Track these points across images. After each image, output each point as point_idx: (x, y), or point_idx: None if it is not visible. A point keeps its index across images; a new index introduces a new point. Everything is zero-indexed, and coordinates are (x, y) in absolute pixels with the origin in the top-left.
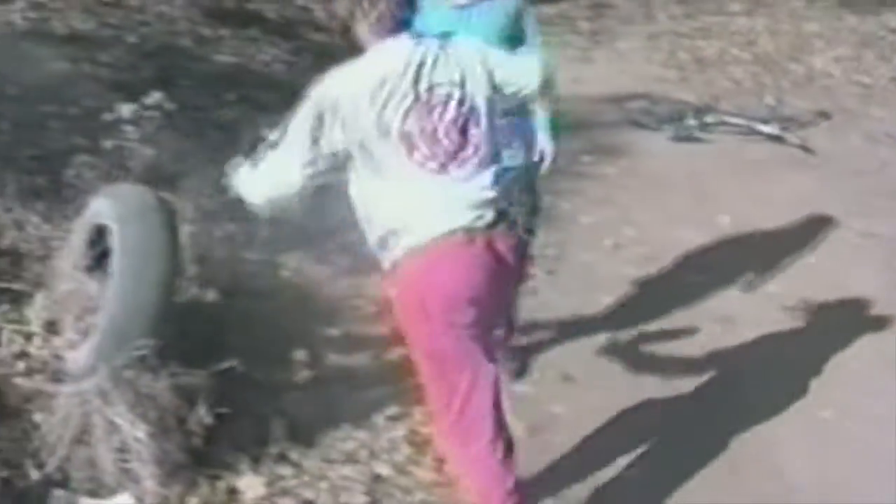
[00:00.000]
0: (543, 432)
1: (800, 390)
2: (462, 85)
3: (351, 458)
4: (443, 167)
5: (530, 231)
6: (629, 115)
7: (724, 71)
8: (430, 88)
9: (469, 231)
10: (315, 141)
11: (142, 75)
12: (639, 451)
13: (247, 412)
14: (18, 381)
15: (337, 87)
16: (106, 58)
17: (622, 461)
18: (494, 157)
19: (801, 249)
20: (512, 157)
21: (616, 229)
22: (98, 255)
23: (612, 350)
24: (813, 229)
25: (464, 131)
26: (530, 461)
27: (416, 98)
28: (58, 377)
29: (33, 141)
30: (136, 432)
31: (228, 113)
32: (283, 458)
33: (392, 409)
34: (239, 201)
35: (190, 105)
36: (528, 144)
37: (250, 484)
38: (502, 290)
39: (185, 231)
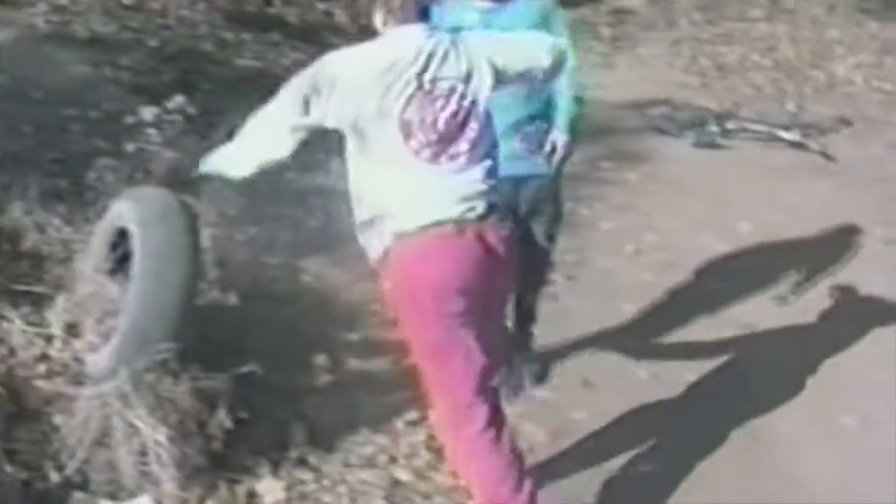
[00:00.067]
0: (564, 438)
1: (820, 397)
2: (467, 80)
3: (370, 463)
4: (436, 157)
5: (551, 238)
6: (650, 121)
7: (746, 77)
8: (435, 80)
9: (459, 223)
10: (306, 108)
11: (163, 79)
12: (657, 456)
13: (267, 416)
14: (39, 383)
15: (341, 64)
16: (127, 61)
17: (641, 466)
18: (489, 153)
19: (822, 257)
20: (537, 166)
21: (637, 235)
22: (119, 258)
23: (632, 356)
24: (834, 237)
25: (462, 125)
26: (550, 466)
27: (420, 87)
28: (78, 380)
29: (55, 144)
30: (157, 435)
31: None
32: (302, 462)
33: (411, 414)
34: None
35: (211, 109)
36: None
37: (270, 488)
38: (494, 281)
39: (206, 234)
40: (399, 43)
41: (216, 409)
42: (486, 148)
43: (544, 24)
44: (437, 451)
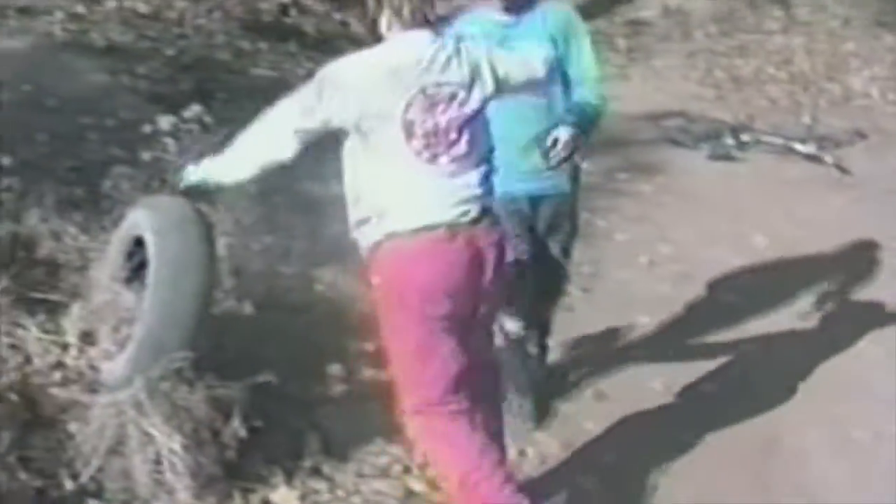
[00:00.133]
0: (577, 448)
1: (833, 410)
2: (469, 87)
3: (384, 473)
4: (434, 158)
5: (566, 253)
6: (665, 133)
7: (761, 90)
8: (438, 85)
9: (451, 227)
10: (310, 112)
11: (180, 88)
12: (671, 467)
13: (281, 426)
14: (54, 391)
15: (345, 68)
16: (144, 70)
17: (653, 477)
18: (485, 157)
19: (838, 270)
20: (558, 184)
21: (651, 247)
22: (135, 266)
23: (646, 367)
24: (850, 250)
25: (461, 130)
26: (563, 477)
27: (422, 91)
28: (93, 388)
29: (71, 152)
30: (171, 444)
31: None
32: (316, 471)
33: None
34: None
35: (228, 118)
36: (574, 173)
37: (284, 497)
38: (482, 285)
39: (222, 243)
40: (403, 48)
41: (231, 418)
42: (483, 153)
43: (564, 36)
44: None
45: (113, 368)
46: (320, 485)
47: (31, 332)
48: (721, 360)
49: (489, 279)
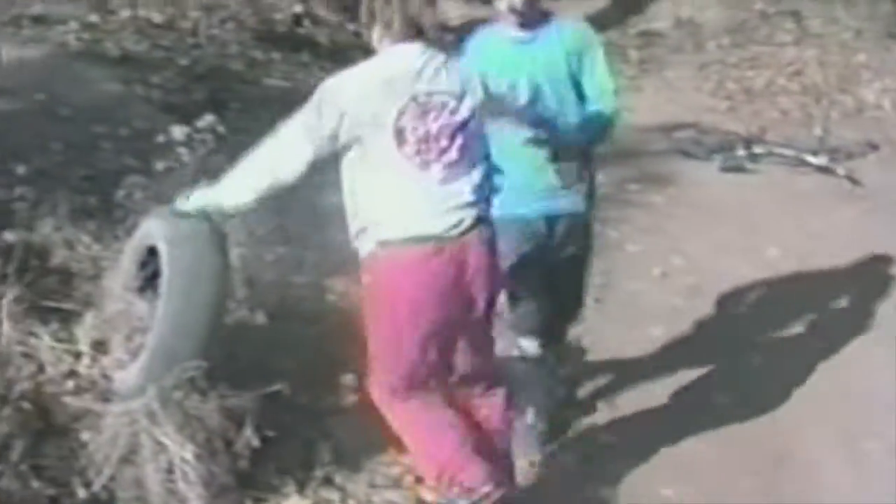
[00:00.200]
0: (590, 461)
1: (845, 422)
2: (460, 97)
3: (396, 484)
4: (426, 165)
5: (582, 272)
6: (677, 145)
7: (773, 101)
8: (429, 94)
9: (439, 240)
10: (314, 129)
11: (193, 98)
12: (682, 479)
13: (293, 436)
14: (67, 399)
15: (340, 82)
16: (158, 80)
17: (667, 490)
18: (478, 166)
19: (849, 282)
20: (573, 203)
21: (664, 258)
22: (148, 276)
23: (658, 379)
24: (861, 261)
25: (452, 137)
26: (576, 490)
27: (413, 98)
28: (106, 396)
29: (85, 161)
30: (184, 453)
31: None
32: (328, 481)
33: None
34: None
35: (241, 128)
36: (591, 191)
37: None
38: (471, 295)
39: (235, 253)
40: (395, 60)
41: (243, 427)
42: (476, 161)
43: (579, 51)
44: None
45: (125, 377)
46: (332, 495)
47: (44, 341)
48: (733, 372)
49: (478, 288)
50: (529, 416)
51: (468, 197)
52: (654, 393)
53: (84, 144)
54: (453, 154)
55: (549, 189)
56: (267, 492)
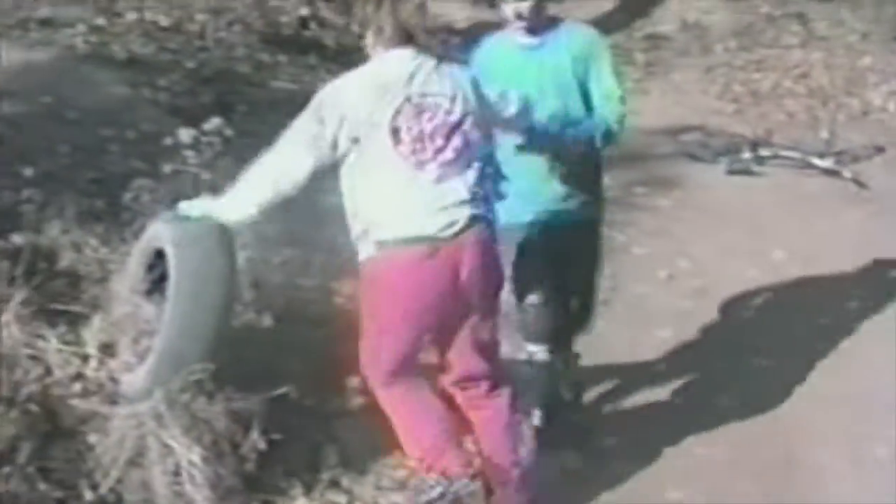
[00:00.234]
0: (596, 464)
1: (854, 426)
2: (453, 99)
3: (403, 486)
4: (421, 164)
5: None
6: (684, 148)
7: (779, 104)
8: (423, 95)
9: (434, 241)
10: (317, 137)
11: (200, 100)
12: (689, 482)
13: (300, 438)
14: (74, 402)
15: (337, 86)
16: (165, 82)
17: (673, 492)
18: (473, 165)
19: (856, 284)
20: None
21: (670, 261)
22: (156, 278)
23: (665, 382)
24: (867, 264)
25: (447, 137)
26: (583, 492)
27: (408, 99)
28: (113, 399)
29: (92, 164)
30: (191, 456)
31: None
32: (335, 484)
33: None
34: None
35: (248, 131)
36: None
37: None
38: (467, 294)
39: (242, 256)
40: (388, 64)
41: (250, 430)
42: (472, 161)
43: (586, 57)
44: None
45: (133, 380)
46: (339, 497)
47: (52, 344)
48: (739, 374)
49: (474, 289)
50: (535, 418)
51: (464, 195)
52: (660, 395)
53: (91, 147)
54: (449, 153)
55: (555, 196)
56: (274, 494)
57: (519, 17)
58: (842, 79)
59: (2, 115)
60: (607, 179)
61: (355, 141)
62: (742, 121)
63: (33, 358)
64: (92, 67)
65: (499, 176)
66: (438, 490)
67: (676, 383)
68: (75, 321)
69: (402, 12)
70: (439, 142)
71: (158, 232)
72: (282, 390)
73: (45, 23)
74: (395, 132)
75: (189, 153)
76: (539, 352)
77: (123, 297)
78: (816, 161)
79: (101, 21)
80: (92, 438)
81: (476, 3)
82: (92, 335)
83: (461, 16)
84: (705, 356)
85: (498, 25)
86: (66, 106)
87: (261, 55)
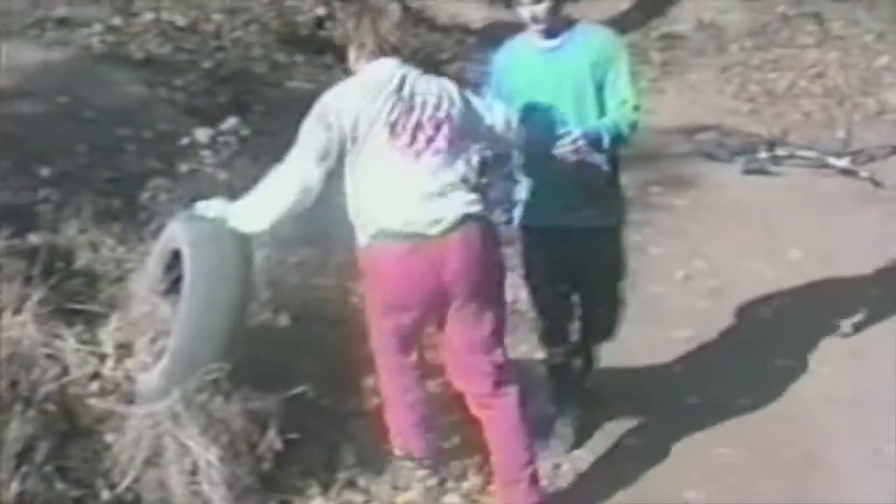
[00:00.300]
0: (614, 464)
1: (873, 427)
2: (439, 97)
3: (420, 486)
4: (417, 155)
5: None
6: (700, 147)
7: (795, 104)
8: (413, 94)
9: (418, 238)
10: (328, 143)
11: (217, 100)
12: (707, 481)
13: (317, 438)
14: (91, 401)
15: (334, 93)
16: (181, 82)
17: (691, 493)
18: (463, 156)
19: (872, 284)
20: (596, 217)
21: (686, 261)
22: (174, 279)
23: (681, 381)
24: (884, 263)
25: (437, 128)
26: (600, 493)
27: (400, 98)
28: (130, 399)
29: (109, 163)
30: (208, 455)
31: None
32: (352, 484)
33: (460, 437)
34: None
35: (265, 131)
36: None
37: None
38: (452, 294)
39: (259, 256)
40: (377, 71)
41: (267, 429)
42: (462, 153)
43: (604, 61)
44: (487, 475)
45: (148, 379)
46: (356, 497)
47: (69, 343)
48: (756, 374)
49: (459, 288)
50: (555, 419)
51: (458, 189)
52: (677, 395)
53: (108, 147)
54: (440, 142)
55: (571, 205)
56: (290, 494)
57: (534, 20)
58: (858, 78)
59: (19, 115)
60: (623, 179)
61: (355, 140)
62: (758, 120)
63: (50, 357)
64: (108, 67)
65: (516, 178)
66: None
67: (693, 383)
68: (92, 321)
69: (382, 28)
70: (430, 132)
71: (175, 232)
72: (298, 390)
73: (62, 22)
74: (392, 127)
75: (206, 153)
76: (557, 354)
77: (141, 297)
78: (832, 161)
79: (117, 21)
80: (109, 438)
81: (492, 3)
82: (109, 335)
83: (477, 16)
84: (722, 356)
85: (514, 25)
86: (83, 106)
87: (277, 55)
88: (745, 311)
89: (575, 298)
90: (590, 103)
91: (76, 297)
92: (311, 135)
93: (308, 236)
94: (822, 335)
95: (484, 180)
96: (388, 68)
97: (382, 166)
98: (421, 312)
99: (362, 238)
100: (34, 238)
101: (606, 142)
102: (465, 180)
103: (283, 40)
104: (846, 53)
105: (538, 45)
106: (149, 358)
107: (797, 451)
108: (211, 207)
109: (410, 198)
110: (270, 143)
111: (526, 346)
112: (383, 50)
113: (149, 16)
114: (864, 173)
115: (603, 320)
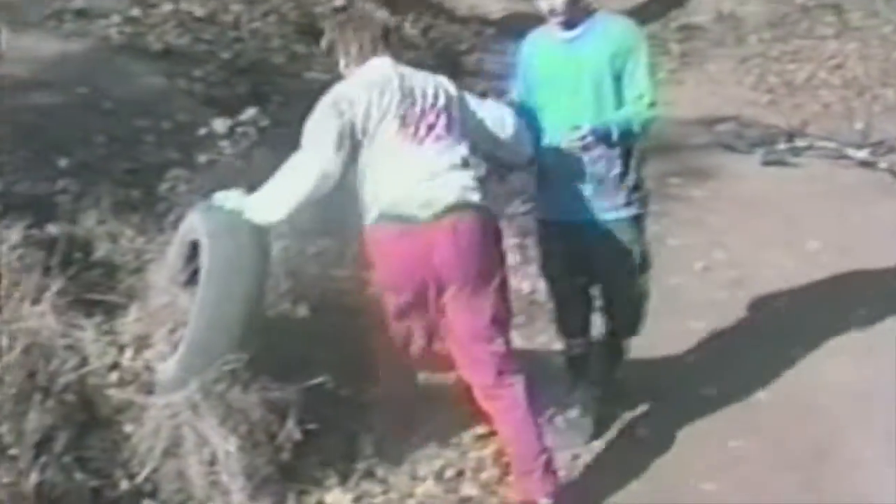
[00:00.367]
0: (628, 454)
1: (888, 420)
2: (436, 89)
3: (438, 477)
4: (421, 141)
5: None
6: (718, 138)
7: (814, 95)
8: (412, 88)
9: (408, 220)
10: (342, 128)
11: (235, 91)
12: (724, 472)
13: (335, 428)
14: (111, 392)
15: (349, 88)
16: (200, 73)
17: (707, 484)
18: (462, 141)
19: (891, 275)
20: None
21: (706, 252)
22: (194, 269)
23: (700, 373)
24: None
25: (437, 115)
26: (613, 481)
27: (402, 91)
28: (149, 389)
29: (128, 154)
30: (226, 446)
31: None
32: (370, 474)
33: (479, 428)
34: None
35: (283, 121)
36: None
37: (338, 499)
38: (442, 279)
39: (278, 246)
40: (373, 69)
41: (285, 420)
42: (461, 137)
43: (623, 52)
44: (505, 466)
45: (165, 369)
46: (374, 487)
47: (88, 334)
48: (775, 365)
49: (449, 274)
50: (574, 410)
51: (455, 169)
52: (695, 387)
53: (127, 138)
54: (440, 129)
55: (586, 195)
56: (309, 484)
57: (552, 12)
58: (877, 70)
59: (37, 106)
60: (643, 171)
61: (366, 132)
62: (777, 112)
63: (69, 348)
64: (127, 58)
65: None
66: None
67: (711, 374)
68: (111, 311)
69: (366, 33)
70: (431, 118)
71: (194, 223)
72: (317, 380)
73: (80, 13)
74: (402, 118)
75: (224, 143)
76: (575, 346)
77: (161, 288)
78: (852, 152)
79: (135, 12)
80: (128, 428)
81: None
82: (128, 325)
83: (496, 7)
84: (740, 348)
85: (533, 16)
86: (102, 97)
87: (296, 46)
88: (764, 303)
89: (594, 291)
90: (608, 93)
91: (95, 288)
92: (325, 122)
93: (327, 227)
94: (840, 327)
95: (483, 172)
96: (387, 66)
97: (389, 155)
98: (414, 294)
99: (367, 217)
100: (53, 229)
101: (615, 137)
102: (465, 164)
103: (301, 31)
104: (865, 45)
105: (558, 37)
106: (168, 348)
107: (811, 444)
108: (229, 198)
109: (409, 180)
110: (288, 134)
111: (545, 336)
112: (371, 52)
113: (167, 6)
114: (883, 164)
115: (624, 313)
